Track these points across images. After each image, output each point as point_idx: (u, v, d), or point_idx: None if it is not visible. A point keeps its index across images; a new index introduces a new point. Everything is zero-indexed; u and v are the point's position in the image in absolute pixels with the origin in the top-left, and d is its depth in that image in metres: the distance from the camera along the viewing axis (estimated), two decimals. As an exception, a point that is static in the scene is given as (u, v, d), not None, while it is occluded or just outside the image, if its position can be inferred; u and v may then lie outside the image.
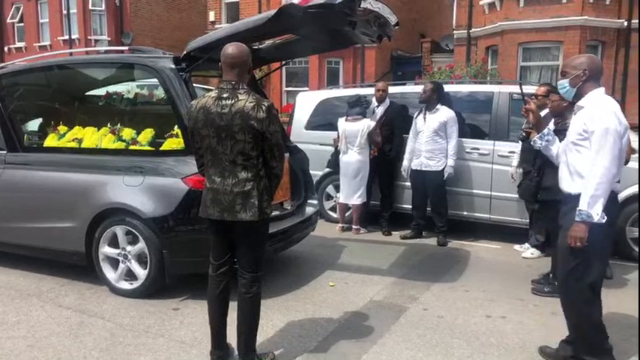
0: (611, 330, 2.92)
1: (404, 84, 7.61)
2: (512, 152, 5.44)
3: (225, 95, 2.66)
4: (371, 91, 6.33)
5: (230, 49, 2.70)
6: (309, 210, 4.86)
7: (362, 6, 3.54)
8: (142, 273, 3.93)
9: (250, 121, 2.60)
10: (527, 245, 5.43)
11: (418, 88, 6.18)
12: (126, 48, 5.59)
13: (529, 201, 4.86)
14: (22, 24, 20.62)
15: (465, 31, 13.95)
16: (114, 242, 4.02)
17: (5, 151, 4.58)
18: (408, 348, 3.22)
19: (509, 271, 4.79)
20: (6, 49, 20.98)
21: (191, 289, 4.02)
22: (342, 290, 4.23)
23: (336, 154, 6.24)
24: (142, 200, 3.83)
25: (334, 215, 6.53)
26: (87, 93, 5.06)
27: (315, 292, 4.17)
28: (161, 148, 4.07)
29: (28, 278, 4.44)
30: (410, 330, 3.48)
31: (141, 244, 3.89)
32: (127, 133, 4.23)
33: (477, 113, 6.07)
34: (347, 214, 6.27)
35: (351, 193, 6.01)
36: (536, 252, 5.28)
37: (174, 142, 4.01)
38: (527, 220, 5.47)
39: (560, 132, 3.87)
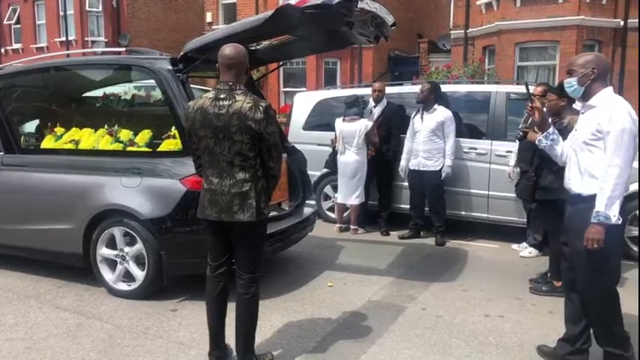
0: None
1: (401, 84, 7.62)
2: (510, 152, 5.45)
3: (222, 96, 2.66)
4: (368, 91, 6.34)
5: (227, 50, 2.70)
6: (307, 210, 4.86)
7: (359, 6, 3.55)
8: (139, 274, 3.93)
9: (248, 122, 2.60)
10: (524, 244, 5.44)
11: (415, 88, 6.18)
12: (123, 49, 5.58)
13: (527, 200, 4.88)
14: (18, 25, 20.58)
15: (462, 31, 13.97)
16: (112, 243, 4.01)
17: (2, 153, 4.56)
18: (407, 347, 3.22)
19: (507, 271, 4.80)
20: (2, 50, 20.94)
21: (189, 290, 4.02)
22: (341, 290, 4.23)
23: (333, 155, 6.24)
24: (139, 201, 3.83)
25: (332, 216, 6.53)
26: (84, 94, 5.05)
27: (314, 293, 4.17)
28: (158, 149, 4.06)
29: (26, 280, 4.43)
30: (408, 330, 3.48)
31: (139, 246, 3.88)
32: (125, 134, 4.23)
33: (474, 113, 6.08)
34: (345, 214, 6.28)
35: (349, 194, 6.02)
36: (533, 251, 5.29)
37: (171, 144, 4.01)
38: (525, 220, 5.49)
39: (559, 131, 3.90)
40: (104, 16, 18.74)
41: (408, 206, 6.02)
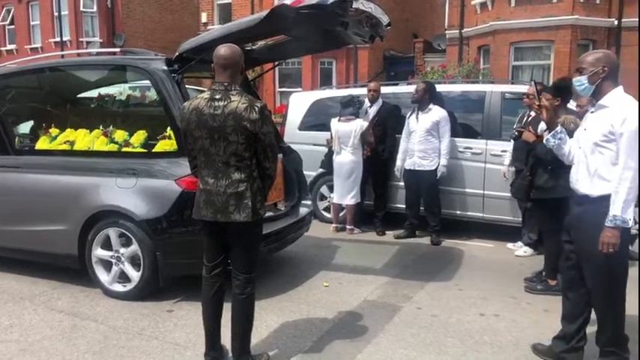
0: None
1: (396, 84, 7.63)
2: (505, 151, 5.47)
3: (217, 96, 2.66)
4: (364, 91, 6.34)
5: (222, 50, 2.70)
6: (303, 210, 4.86)
7: (354, 6, 3.55)
8: (135, 275, 3.92)
9: (243, 122, 2.60)
10: (520, 244, 5.46)
11: (411, 88, 6.19)
12: (117, 50, 5.57)
13: (521, 199, 4.90)
14: (12, 26, 20.50)
15: (457, 31, 14.02)
16: (107, 245, 4.00)
17: (-4, 154, 4.54)
18: (402, 347, 3.23)
19: (502, 270, 4.82)
20: (-3, 51, 20.84)
21: (185, 291, 4.01)
22: (337, 290, 4.24)
23: (329, 155, 6.25)
24: (135, 202, 3.82)
25: (328, 216, 6.54)
26: (79, 95, 5.04)
27: (310, 293, 4.18)
28: (154, 150, 4.05)
29: (21, 281, 4.41)
30: (404, 329, 3.49)
31: (134, 247, 3.88)
32: (120, 135, 4.22)
33: (469, 113, 6.09)
34: (341, 214, 6.28)
35: (344, 194, 6.02)
36: (529, 250, 5.31)
37: (166, 144, 4.00)
38: (520, 219, 5.50)
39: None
40: (99, 16, 18.69)
41: (404, 206, 6.04)
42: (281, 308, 3.83)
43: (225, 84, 2.68)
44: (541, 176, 4.09)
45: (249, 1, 16.10)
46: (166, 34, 19.41)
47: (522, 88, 5.60)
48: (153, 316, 3.68)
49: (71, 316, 3.70)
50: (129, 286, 3.96)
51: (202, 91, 2.90)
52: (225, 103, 2.63)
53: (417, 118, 5.70)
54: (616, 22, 12.12)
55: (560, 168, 4.00)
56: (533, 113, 4.87)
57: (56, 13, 18.57)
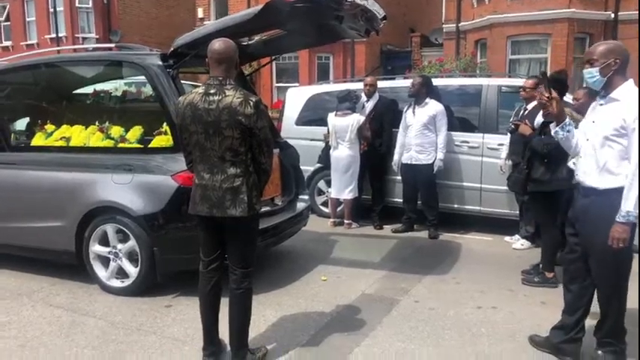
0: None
1: (393, 78, 7.62)
2: (502, 144, 5.47)
3: (212, 91, 2.66)
4: (360, 85, 6.34)
5: (217, 44, 2.69)
6: (301, 205, 4.87)
7: (348, 0, 3.54)
8: (133, 271, 3.92)
9: (238, 117, 2.60)
10: (517, 237, 5.48)
11: (407, 82, 6.19)
12: (113, 45, 5.55)
13: (518, 193, 4.90)
14: (8, 23, 20.38)
15: (454, 25, 14.00)
16: (104, 240, 4.00)
17: (-8, 151, 4.53)
18: (400, 340, 3.24)
19: (499, 263, 4.84)
20: (-8, 48, 20.73)
21: (183, 286, 4.02)
22: (334, 284, 4.25)
23: (326, 150, 6.25)
24: (131, 198, 3.82)
25: (326, 210, 6.55)
26: (74, 91, 5.02)
27: (307, 287, 4.19)
28: (150, 146, 4.05)
29: (19, 278, 4.41)
30: (402, 322, 3.50)
31: (131, 242, 3.88)
32: (116, 130, 4.21)
33: (466, 106, 6.09)
34: (339, 209, 6.29)
35: (342, 188, 6.02)
36: (526, 243, 5.33)
37: (162, 140, 3.99)
38: (518, 212, 5.52)
39: (548, 124, 3.91)
40: (94, 12, 18.60)
41: (401, 200, 6.04)
42: (279, 302, 3.84)
43: (220, 78, 2.67)
44: (537, 169, 4.10)
45: (246, -5, 16.03)
46: (163, 30, 19.30)
47: (519, 82, 5.59)
48: (151, 311, 3.69)
49: (70, 311, 3.71)
50: (127, 282, 3.97)
51: (198, 87, 2.89)
52: (220, 97, 2.63)
53: (413, 112, 5.70)
54: (613, 16, 12.11)
55: (556, 161, 4.02)
56: (530, 107, 4.88)
57: (52, 9, 18.44)
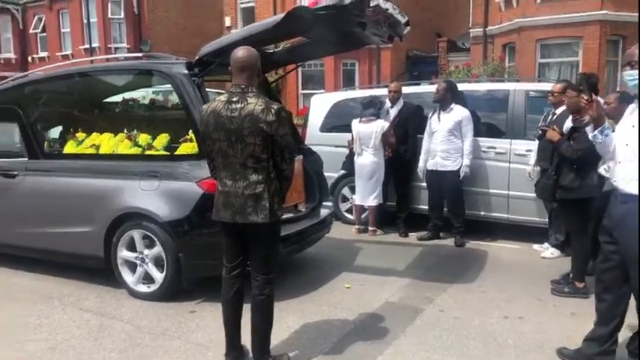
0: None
1: (418, 84, 7.56)
2: (530, 150, 5.36)
3: (234, 99, 2.69)
4: (385, 92, 6.31)
5: (239, 53, 2.73)
6: (324, 212, 4.86)
7: (372, 5, 3.53)
8: (159, 276, 3.99)
9: (260, 124, 2.62)
10: (546, 245, 5.33)
11: (433, 88, 6.13)
12: (141, 55, 5.69)
13: (547, 200, 4.79)
14: (44, 34, 21.17)
15: (482, 29, 13.83)
16: (131, 246, 4.08)
17: (26, 158, 4.69)
18: (424, 349, 3.19)
19: (527, 272, 4.72)
20: (29, 58, 21.55)
21: (207, 292, 4.05)
22: (358, 292, 4.22)
23: (350, 156, 6.23)
24: (157, 204, 3.89)
25: (350, 217, 6.52)
26: (104, 100, 5.16)
27: (331, 294, 4.17)
28: (176, 153, 4.12)
29: (49, 282, 4.53)
30: (426, 331, 3.45)
31: (158, 248, 3.94)
32: (143, 138, 4.31)
33: (493, 112, 6.00)
34: (363, 215, 6.26)
35: (366, 195, 6.00)
36: (555, 252, 5.19)
37: (188, 147, 4.06)
38: (547, 219, 5.38)
39: (579, 129, 3.81)
40: (126, 23, 19.15)
41: (427, 207, 5.97)
42: (302, 309, 3.83)
43: (243, 86, 2.70)
44: (566, 175, 4.00)
45: (272, 3, 16.20)
46: (191, 39, 19.64)
47: (547, 86, 5.47)
48: (176, 316, 3.74)
49: (98, 315, 3.79)
50: (153, 287, 4.03)
51: (222, 94, 2.93)
52: (242, 105, 2.66)
53: (438, 118, 5.64)
54: (647, 17, 11.74)
55: (586, 167, 3.91)
56: (558, 111, 4.77)
57: (85, 21, 19.08)
